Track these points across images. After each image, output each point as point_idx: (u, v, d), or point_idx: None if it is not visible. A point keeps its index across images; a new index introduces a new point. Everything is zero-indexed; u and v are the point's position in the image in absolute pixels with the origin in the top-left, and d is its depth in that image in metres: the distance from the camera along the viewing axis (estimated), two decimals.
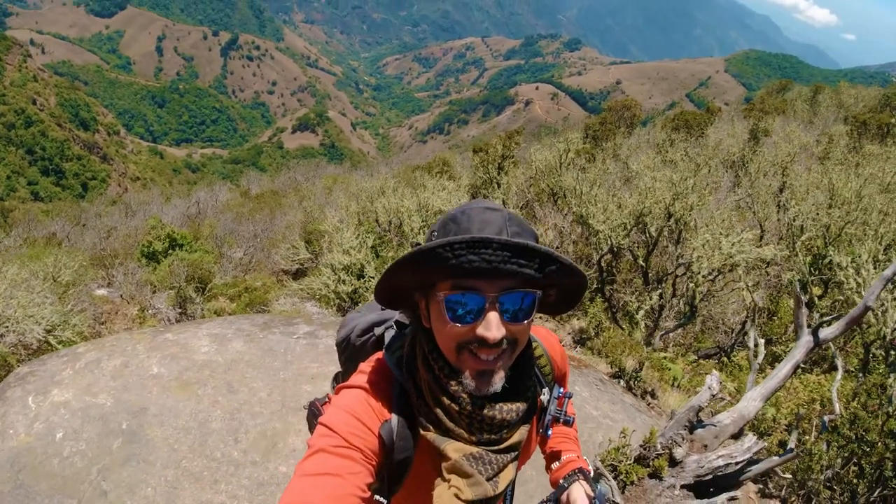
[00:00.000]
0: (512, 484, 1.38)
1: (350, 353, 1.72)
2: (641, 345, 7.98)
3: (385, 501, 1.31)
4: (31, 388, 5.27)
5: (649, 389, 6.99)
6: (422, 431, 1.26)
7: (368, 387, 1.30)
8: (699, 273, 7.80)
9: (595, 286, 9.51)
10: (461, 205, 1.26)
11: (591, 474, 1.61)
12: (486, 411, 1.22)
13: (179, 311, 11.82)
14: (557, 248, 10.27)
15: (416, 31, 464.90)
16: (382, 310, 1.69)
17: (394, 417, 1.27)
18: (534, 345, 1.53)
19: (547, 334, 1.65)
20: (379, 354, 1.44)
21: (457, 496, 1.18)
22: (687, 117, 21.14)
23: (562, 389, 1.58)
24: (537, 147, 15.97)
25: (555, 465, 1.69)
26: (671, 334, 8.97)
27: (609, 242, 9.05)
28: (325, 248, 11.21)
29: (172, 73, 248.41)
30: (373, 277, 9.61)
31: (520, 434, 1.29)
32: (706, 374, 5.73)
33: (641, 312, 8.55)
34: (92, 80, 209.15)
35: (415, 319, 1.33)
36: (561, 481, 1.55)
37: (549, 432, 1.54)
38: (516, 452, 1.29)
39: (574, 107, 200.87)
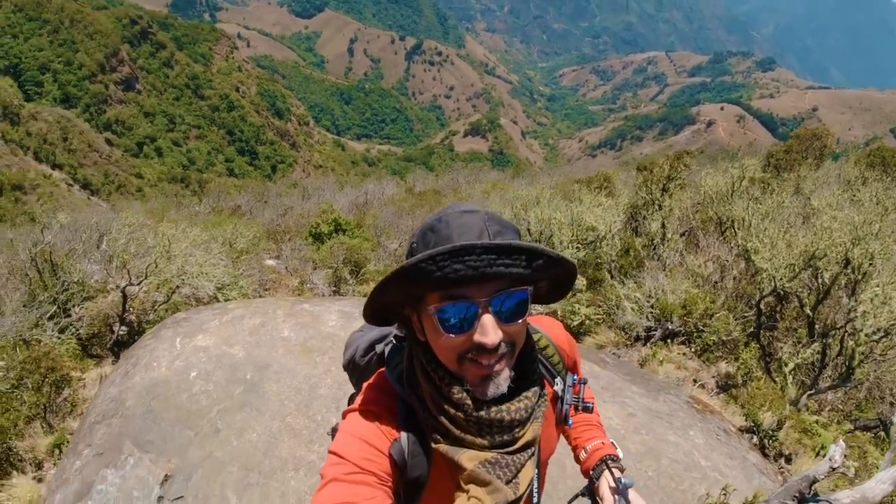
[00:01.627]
0: (534, 482, 1.34)
1: (357, 373, 1.67)
2: (786, 401, 6.87)
3: None
4: (181, 332, 6.10)
5: (786, 453, 6.10)
6: (433, 445, 1.23)
7: (373, 407, 1.29)
8: (862, 330, 6.55)
9: (751, 329, 8.42)
10: (438, 211, 1.24)
11: (620, 457, 1.59)
12: (493, 414, 1.19)
13: (333, 288, 12.34)
14: (717, 283, 9.30)
15: (597, 42, 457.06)
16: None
17: (403, 435, 1.25)
18: (537, 336, 1.52)
19: (550, 323, 1.63)
20: (380, 371, 1.42)
21: None
22: (885, 154, 18.19)
23: (576, 377, 1.54)
24: (709, 171, 14.63)
25: (582, 456, 1.66)
26: (828, 396, 7.73)
27: (773, 283, 7.91)
28: None
29: (360, 73, 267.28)
30: None
31: (533, 431, 1.26)
32: (858, 446, 5.27)
33: (792, 365, 7.35)
34: (289, 74, 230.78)
35: (409, 333, 1.30)
36: (591, 473, 1.58)
37: (570, 422, 1.50)
38: (532, 450, 1.27)
39: (762, 132, 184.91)
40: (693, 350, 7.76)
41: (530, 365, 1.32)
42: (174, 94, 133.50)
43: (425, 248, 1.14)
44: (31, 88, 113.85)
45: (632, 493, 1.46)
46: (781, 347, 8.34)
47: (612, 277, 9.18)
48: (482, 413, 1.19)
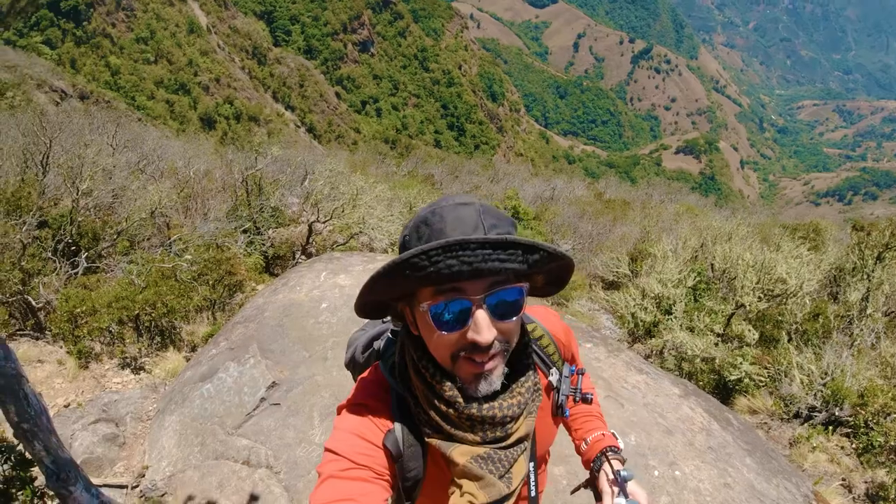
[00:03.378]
0: (530, 476, 1.34)
1: (358, 371, 1.63)
2: None
3: None
4: (329, 268, 6.64)
5: None
6: (426, 438, 1.21)
7: (366, 401, 1.27)
8: None
9: None
10: (431, 203, 1.19)
11: (620, 448, 1.57)
12: (485, 411, 1.17)
13: None
14: None
15: (847, 79, 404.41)
16: (384, 322, 1.62)
17: (396, 426, 1.23)
18: (532, 326, 1.49)
19: (545, 312, 1.58)
20: (375, 364, 1.39)
21: (471, 503, 1.14)
22: None
23: (574, 367, 1.51)
24: None
25: (583, 448, 1.63)
26: None
27: None
28: (644, 271, 10.50)
29: (581, 69, 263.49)
30: (677, 318, 8.62)
31: (526, 426, 1.24)
32: None
33: None
34: (511, 60, 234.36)
35: (403, 327, 1.28)
36: (592, 465, 1.55)
37: (567, 413, 1.46)
38: (525, 445, 1.24)
39: None
40: (854, 446, 6.70)
41: (524, 359, 1.29)
42: (402, 63, 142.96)
43: (418, 242, 1.12)
44: (281, 36, 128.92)
45: (631, 485, 1.42)
46: None
47: (789, 340, 8.14)
48: (473, 410, 1.17)
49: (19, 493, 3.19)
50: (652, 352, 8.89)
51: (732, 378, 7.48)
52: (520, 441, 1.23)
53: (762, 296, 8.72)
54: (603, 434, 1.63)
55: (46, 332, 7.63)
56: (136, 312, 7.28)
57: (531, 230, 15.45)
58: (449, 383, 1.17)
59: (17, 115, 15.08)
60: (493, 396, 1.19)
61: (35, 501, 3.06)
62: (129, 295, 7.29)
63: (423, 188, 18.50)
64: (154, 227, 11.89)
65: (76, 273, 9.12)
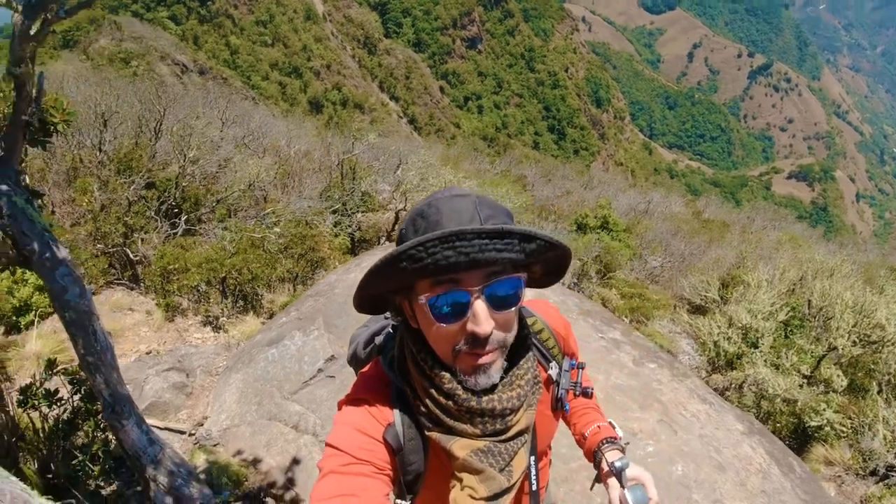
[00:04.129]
0: (531, 469, 1.35)
1: (360, 367, 1.59)
2: None
3: None
4: None
5: None
6: (426, 432, 1.21)
7: (366, 395, 1.27)
8: None
9: None
10: (428, 196, 1.19)
11: (619, 437, 1.58)
12: (485, 404, 1.16)
13: (575, 280, 12.11)
14: None
15: None
16: (385, 319, 1.59)
17: (397, 420, 1.24)
18: (531, 319, 1.49)
19: (545, 306, 1.59)
20: (375, 359, 1.40)
21: (471, 496, 1.14)
22: None
23: (574, 361, 1.51)
24: None
25: (583, 443, 1.63)
26: None
27: None
28: (734, 298, 9.96)
29: (694, 80, 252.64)
30: (762, 353, 8.12)
31: (527, 419, 1.23)
32: None
33: None
34: (620, 66, 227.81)
35: (402, 321, 1.28)
36: (594, 460, 1.56)
37: (567, 407, 1.44)
38: (526, 437, 1.24)
39: None
40: None
41: (523, 352, 1.28)
42: (508, 61, 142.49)
43: (415, 234, 1.11)
44: (392, 27, 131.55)
45: (630, 471, 1.44)
46: None
47: (879, 391, 7.51)
48: (473, 402, 1.16)
49: (84, 423, 3.44)
50: (731, 384, 8.45)
51: (813, 424, 7.00)
52: (520, 434, 1.22)
53: (857, 340, 8.07)
54: (599, 426, 1.62)
55: (140, 283, 8.18)
56: (224, 276, 7.68)
57: (619, 242, 15.05)
58: (448, 375, 1.16)
59: (135, 83, 16.20)
60: (492, 389, 1.18)
61: (96, 433, 3.30)
62: (219, 258, 7.70)
63: (512, 187, 18.40)
64: (252, 199, 12.50)
65: (175, 233, 9.72)
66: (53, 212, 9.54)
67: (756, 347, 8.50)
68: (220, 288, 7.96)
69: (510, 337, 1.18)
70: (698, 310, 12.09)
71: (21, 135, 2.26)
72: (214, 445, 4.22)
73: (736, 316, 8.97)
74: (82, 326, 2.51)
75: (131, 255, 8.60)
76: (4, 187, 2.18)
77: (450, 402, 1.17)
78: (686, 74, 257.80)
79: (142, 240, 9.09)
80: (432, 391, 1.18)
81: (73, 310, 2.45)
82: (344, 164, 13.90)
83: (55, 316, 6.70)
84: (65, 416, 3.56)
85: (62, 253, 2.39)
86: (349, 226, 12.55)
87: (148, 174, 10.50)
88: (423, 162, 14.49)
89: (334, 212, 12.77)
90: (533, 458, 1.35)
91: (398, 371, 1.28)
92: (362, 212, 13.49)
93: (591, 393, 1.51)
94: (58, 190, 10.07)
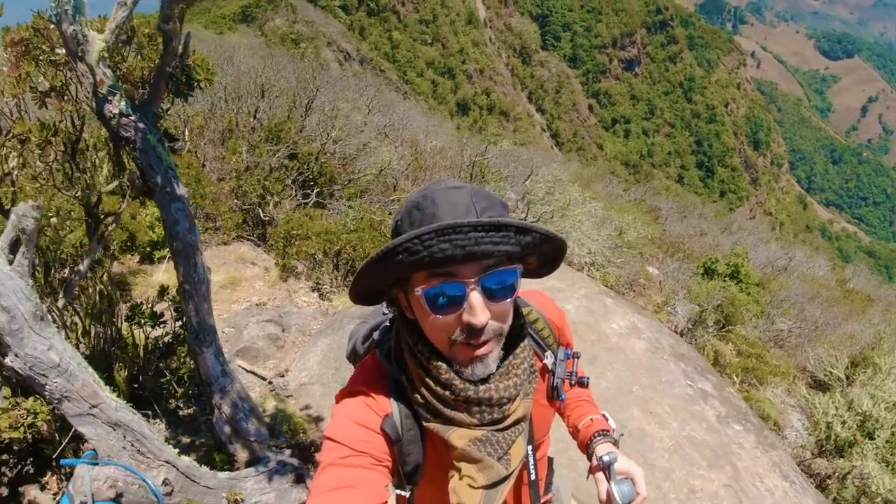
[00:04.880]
0: (529, 458, 1.38)
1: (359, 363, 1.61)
2: None
3: (407, 495, 1.33)
4: None
5: None
6: (424, 423, 1.22)
7: (364, 387, 1.28)
8: None
9: None
10: (422, 187, 1.19)
11: (611, 430, 1.59)
12: (482, 393, 1.18)
13: (690, 326, 11.53)
14: None
15: None
16: (384, 314, 1.59)
17: (394, 411, 1.25)
18: (526, 309, 1.49)
19: (540, 297, 1.60)
20: (373, 351, 1.41)
21: (470, 486, 1.15)
22: None
23: (569, 351, 1.51)
24: None
25: (577, 435, 1.65)
26: None
27: None
28: (860, 380, 9.06)
29: (864, 137, 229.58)
30: (877, 446, 7.32)
31: (524, 407, 1.25)
32: None
33: None
34: (785, 109, 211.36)
35: (398, 312, 1.29)
36: (587, 453, 1.58)
37: (563, 396, 1.46)
38: (523, 426, 1.25)
39: None
40: None
41: (519, 341, 1.29)
42: (665, 88, 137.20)
43: (411, 227, 1.11)
44: (550, 40, 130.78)
45: (619, 465, 1.45)
46: None
47: None
48: (470, 392, 1.17)
49: (180, 348, 3.84)
50: (835, 472, 7.72)
51: None
52: (517, 422, 1.23)
53: None
54: (592, 419, 1.62)
55: (266, 242, 8.88)
56: (339, 249, 8.14)
57: (747, 295, 14.12)
58: (445, 366, 1.18)
59: (295, 62, 17.40)
60: (488, 378, 1.20)
61: (188, 359, 3.68)
62: (337, 232, 8.18)
63: (641, 217, 17.78)
64: (382, 185, 13.08)
65: (305, 203, 10.42)
66: (204, 165, 10.56)
67: (871, 438, 7.70)
68: (333, 260, 8.43)
69: (506, 326, 1.19)
70: (819, 385, 11.10)
71: (164, 84, 2.60)
72: (287, 396, 4.54)
73: (857, 400, 8.19)
74: (186, 256, 2.83)
75: (262, 216, 9.35)
76: (142, 125, 2.52)
77: (447, 393, 1.18)
78: (856, 129, 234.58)
79: (275, 203, 9.84)
80: (429, 382, 1.20)
81: (180, 241, 2.78)
82: (474, 166, 14.15)
83: None
84: (165, 339, 4.00)
85: (180, 190, 2.72)
86: None
87: (293, 146, 11.32)
88: (552, 176, 14.43)
89: None
90: (530, 447, 1.36)
91: (395, 363, 1.30)
92: None
93: (587, 382, 1.51)
94: (212, 147, 11.14)
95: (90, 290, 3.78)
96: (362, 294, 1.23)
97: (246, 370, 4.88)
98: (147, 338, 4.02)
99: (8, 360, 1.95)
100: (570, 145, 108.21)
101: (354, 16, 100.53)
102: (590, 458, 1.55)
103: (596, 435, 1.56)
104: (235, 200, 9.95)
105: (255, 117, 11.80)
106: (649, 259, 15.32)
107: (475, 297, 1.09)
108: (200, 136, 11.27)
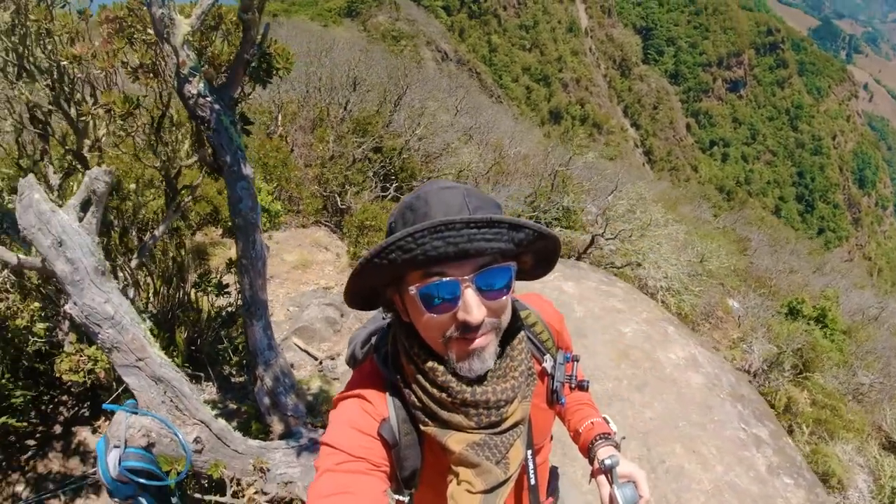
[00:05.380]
0: (529, 464, 1.37)
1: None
2: None
3: (406, 500, 1.32)
4: (567, 273, 6.90)
5: None
6: (422, 426, 1.22)
7: (361, 392, 1.28)
8: None
9: None
10: (417, 189, 1.20)
11: (612, 433, 1.59)
12: (479, 396, 1.17)
13: (766, 366, 10.98)
14: None
15: None
16: (384, 319, 1.55)
17: (391, 415, 1.25)
18: (525, 312, 1.49)
19: (539, 300, 1.60)
20: (371, 356, 1.40)
21: (468, 491, 1.15)
22: None
23: (569, 355, 1.51)
24: None
25: (578, 439, 1.64)
26: None
27: None
28: None
29: None
30: None
31: (522, 411, 1.24)
32: None
33: None
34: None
35: (394, 315, 1.29)
36: (588, 457, 1.56)
37: (563, 400, 1.46)
38: (521, 429, 1.25)
39: None
40: None
41: (517, 343, 1.28)
42: (769, 114, 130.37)
43: (404, 227, 1.10)
44: (652, 54, 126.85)
45: (621, 468, 1.44)
46: None
47: None
48: (467, 394, 1.16)
49: (239, 318, 4.06)
50: None
51: None
52: (515, 426, 1.22)
53: None
54: (593, 422, 1.61)
55: (341, 229, 9.18)
56: None
57: (832, 342, 13.30)
58: (441, 368, 1.17)
59: (388, 59, 17.77)
60: (486, 380, 1.19)
61: (241, 330, 3.88)
62: None
63: (726, 246, 17.01)
64: None
65: (383, 196, 10.69)
66: (293, 150, 11.02)
67: None
68: None
69: (503, 321, 1.18)
70: (893, 447, 10.35)
71: (241, 70, 2.77)
72: (334, 379, 4.70)
73: None
74: (245, 233, 3.00)
75: (341, 204, 9.67)
76: (217, 107, 2.70)
77: (443, 395, 1.17)
78: None
79: (354, 193, 10.15)
80: (426, 384, 1.19)
81: (242, 217, 2.96)
82: (556, 175, 14.01)
83: (269, 234, 7.87)
84: (228, 309, 4.24)
85: (247, 170, 2.88)
86: None
87: (378, 139, 11.63)
88: (636, 193, 14.09)
89: (532, 218, 12.97)
90: (530, 451, 1.35)
91: (392, 366, 1.29)
92: (562, 227, 13.49)
93: (587, 386, 1.50)
94: (302, 133, 11.62)
95: (165, 255, 4.08)
96: (358, 296, 1.23)
97: (300, 348, 5.09)
98: (211, 306, 4.27)
99: (67, 307, 2.17)
100: (662, 164, 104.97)
101: (455, 17, 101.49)
102: (591, 462, 1.53)
103: (597, 438, 1.55)
104: (317, 187, 10.34)
105: (345, 108, 12.18)
106: (731, 291, 14.72)
107: (470, 294, 1.08)
108: (293, 122, 11.77)
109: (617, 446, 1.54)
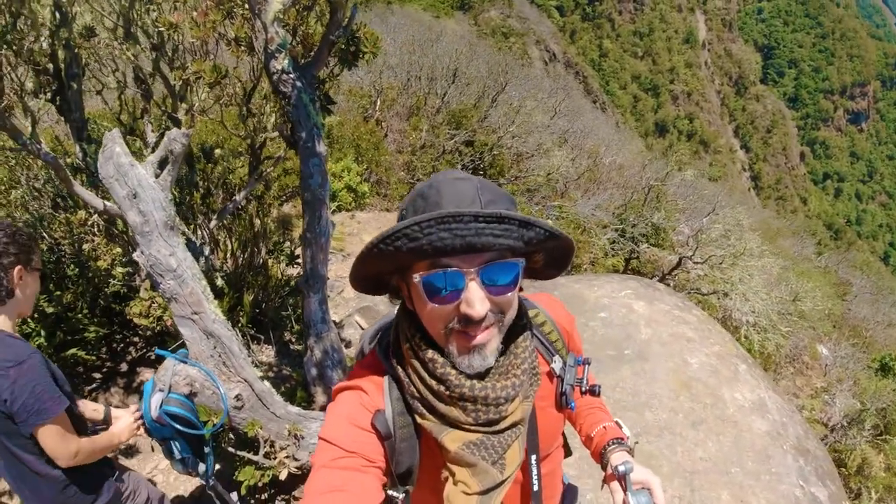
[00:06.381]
0: (532, 469, 1.35)
1: None
2: None
3: (400, 497, 1.29)
4: (640, 292, 6.60)
5: None
6: (419, 420, 1.20)
7: (360, 383, 1.27)
8: None
9: None
10: (430, 177, 1.18)
11: (626, 437, 1.57)
12: (478, 391, 1.15)
13: (845, 422, 10.33)
14: None
15: None
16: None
17: (387, 407, 1.24)
18: (533, 312, 1.47)
19: (550, 300, 1.56)
20: (373, 349, 1.39)
21: (465, 492, 1.14)
22: None
23: (580, 357, 1.48)
24: None
25: (590, 444, 1.62)
26: None
27: None
28: None
29: None
30: None
31: (522, 410, 1.21)
32: None
33: None
34: None
35: (399, 303, 1.27)
36: (601, 463, 1.55)
37: (573, 404, 1.42)
38: (520, 430, 1.22)
39: None
40: None
41: (521, 341, 1.25)
42: (890, 152, 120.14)
43: (414, 214, 1.08)
44: (771, 74, 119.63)
45: (636, 475, 1.42)
46: None
47: None
48: (465, 389, 1.15)
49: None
50: None
51: None
52: (513, 426, 1.20)
53: None
54: (605, 427, 1.59)
55: None
56: None
57: None
58: (441, 359, 1.16)
59: (490, 55, 17.74)
60: (486, 376, 1.18)
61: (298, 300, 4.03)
62: None
63: (823, 288, 15.90)
64: (551, 189, 13.05)
65: None
66: (386, 135, 11.29)
67: None
68: None
69: (508, 317, 1.16)
70: None
71: (327, 50, 2.87)
72: None
73: None
74: (313, 208, 3.12)
75: None
76: (299, 84, 2.82)
77: (441, 387, 1.16)
78: None
79: None
80: (424, 375, 1.18)
81: (311, 193, 3.08)
82: (650, 190, 13.60)
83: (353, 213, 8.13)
84: (296, 279, 4.42)
85: (320, 147, 2.99)
86: (630, 251, 12.38)
87: (472, 133, 11.71)
88: (734, 219, 13.44)
89: (617, 231, 12.68)
90: (534, 456, 1.33)
91: (393, 356, 1.27)
92: (650, 243, 13.10)
93: (598, 391, 1.45)
94: (397, 119, 11.87)
95: (248, 220, 4.30)
96: (364, 281, 1.22)
97: (361, 327, 5.21)
98: (281, 274, 4.47)
99: (135, 255, 2.34)
100: (770, 191, 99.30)
101: (568, 18, 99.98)
102: (604, 468, 1.51)
103: (610, 443, 1.52)
104: (405, 173, 10.54)
105: (442, 99, 12.33)
106: (821, 337, 13.83)
107: (474, 287, 1.07)
108: (390, 108, 12.04)
109: (630, 452, 1.51)
